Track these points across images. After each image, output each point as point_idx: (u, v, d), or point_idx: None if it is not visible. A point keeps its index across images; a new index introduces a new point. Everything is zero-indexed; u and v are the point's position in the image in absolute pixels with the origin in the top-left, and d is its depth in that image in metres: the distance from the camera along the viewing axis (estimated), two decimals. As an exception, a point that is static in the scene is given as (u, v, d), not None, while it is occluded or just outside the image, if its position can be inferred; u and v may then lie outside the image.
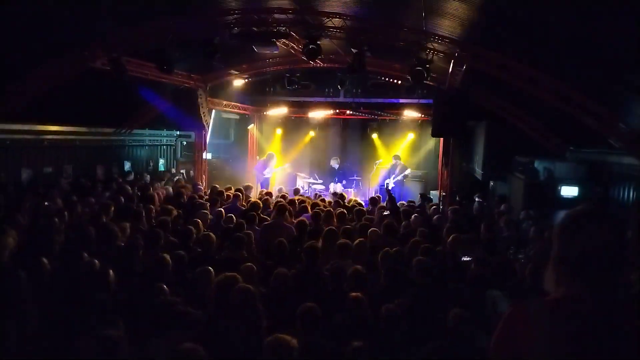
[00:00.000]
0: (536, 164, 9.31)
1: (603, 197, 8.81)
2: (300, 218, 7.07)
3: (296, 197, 9.84)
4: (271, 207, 8.41)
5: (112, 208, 7.32)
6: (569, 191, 8.85)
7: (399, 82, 11.39)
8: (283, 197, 9.96)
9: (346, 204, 9.79)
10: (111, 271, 4.17)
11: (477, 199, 9.89)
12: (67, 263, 4.70)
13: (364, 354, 3.11)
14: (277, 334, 2.97)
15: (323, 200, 10.01)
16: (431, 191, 13.04)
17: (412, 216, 7.85)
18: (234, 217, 7.24)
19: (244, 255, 5.37)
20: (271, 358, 2.88)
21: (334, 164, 15.08)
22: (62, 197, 8.35)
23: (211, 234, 5.94)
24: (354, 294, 3.98)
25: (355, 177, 15.13)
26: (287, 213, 7.20)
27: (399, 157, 14.32)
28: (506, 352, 1.68)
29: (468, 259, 5.42)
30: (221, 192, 9.61)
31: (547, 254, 1.75)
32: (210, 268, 4.38)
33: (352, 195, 13.93)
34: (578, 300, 1.60)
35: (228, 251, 5.49)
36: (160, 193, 9.98)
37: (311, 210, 7.84)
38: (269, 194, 10.74)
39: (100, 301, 3.61)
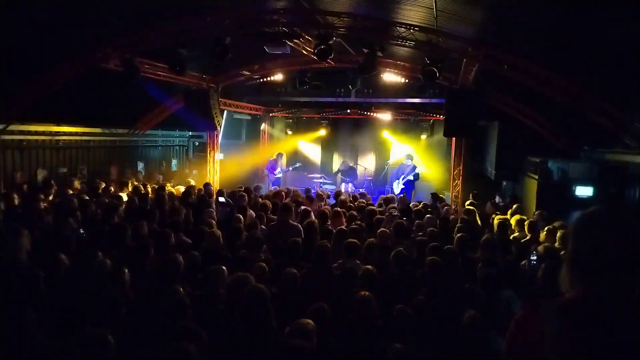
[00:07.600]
0: (549, 164, 9.22)
1: (618, 197, 8.70)
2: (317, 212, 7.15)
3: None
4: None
5: (121, 208, 7.40)
6: (583, 191, 8.77)
7: (411, 81, 11.35)
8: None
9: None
10: (126, 270, 4.22)
11: (497, 199, 9.83)
12: (81, 262, 4.75)
13: (405, 356, 3.10)
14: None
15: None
16: (444, 192, 12.96)
17: (426, 217, 7.79)
18: (242, 217, 7.21)
19: (260, 256, 5.35)
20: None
21: (346, 164, 15.07)
22: (77, 197, 8.44)
23: (217, 230, 5.94)
24: (362, 292, 3.93)
25: (366, 177, 15.09)
26: (292, 211, 7.15)
27: (411, 157, 14.27)
28: (519, 353, 1.67)
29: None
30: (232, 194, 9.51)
31: (560, 254, 1.75)
32: (223, 267, 4.39)
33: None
34: (592, 301, 1.59)
35: (246, 251, 5.46)
36: (173, 193, 10.03)
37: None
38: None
39: (115, 299, 3.64)
